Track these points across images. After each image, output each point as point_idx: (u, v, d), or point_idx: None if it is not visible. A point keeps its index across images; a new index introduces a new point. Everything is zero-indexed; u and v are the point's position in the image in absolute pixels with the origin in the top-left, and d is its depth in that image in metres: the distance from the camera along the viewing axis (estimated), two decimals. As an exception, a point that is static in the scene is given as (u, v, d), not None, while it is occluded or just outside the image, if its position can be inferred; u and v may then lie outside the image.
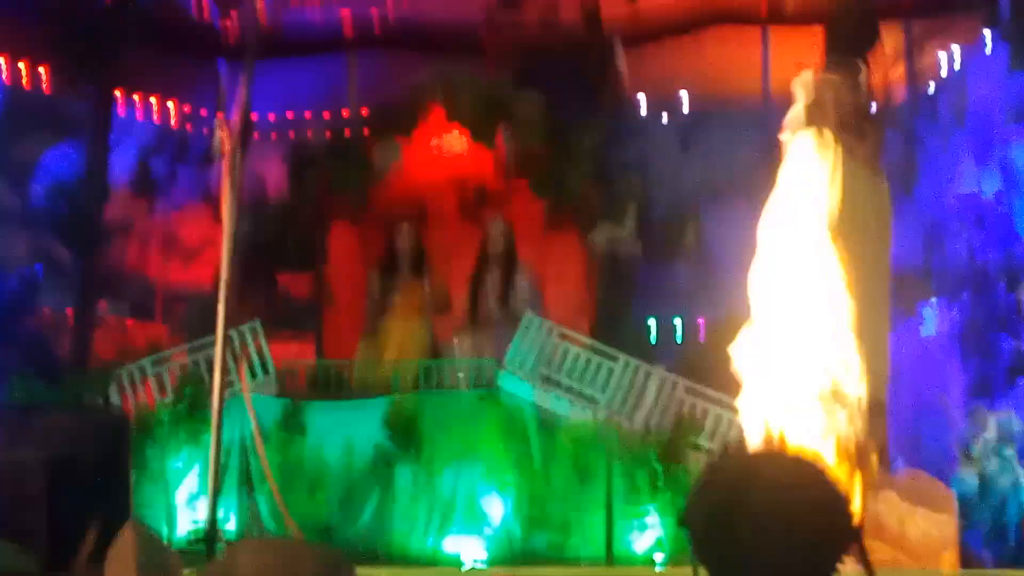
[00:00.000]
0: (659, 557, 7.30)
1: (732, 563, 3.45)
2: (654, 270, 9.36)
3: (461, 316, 8.97)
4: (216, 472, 4.63)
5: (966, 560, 6.91)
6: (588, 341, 8.13)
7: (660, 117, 10.72)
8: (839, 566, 3.69)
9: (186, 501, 7.87)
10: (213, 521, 4.68)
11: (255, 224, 9.49)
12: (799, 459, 3.98)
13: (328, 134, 9.82)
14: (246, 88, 4.90)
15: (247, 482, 7.93)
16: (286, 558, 3.97)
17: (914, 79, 9.46)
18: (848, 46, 8.82)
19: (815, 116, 4.72)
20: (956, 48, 9.61)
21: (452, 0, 11.46)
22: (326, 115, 11.53)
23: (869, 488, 4.51)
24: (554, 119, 9.46)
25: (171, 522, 7.77)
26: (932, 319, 8.46)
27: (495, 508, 7.64)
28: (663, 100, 11.01)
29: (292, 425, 7.98)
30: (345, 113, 11.55)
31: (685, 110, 10.63)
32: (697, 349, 8.19)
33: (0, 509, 4.49)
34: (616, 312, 9.27)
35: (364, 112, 10.62)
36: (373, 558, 7.31)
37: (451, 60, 10.52)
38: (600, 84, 10.80)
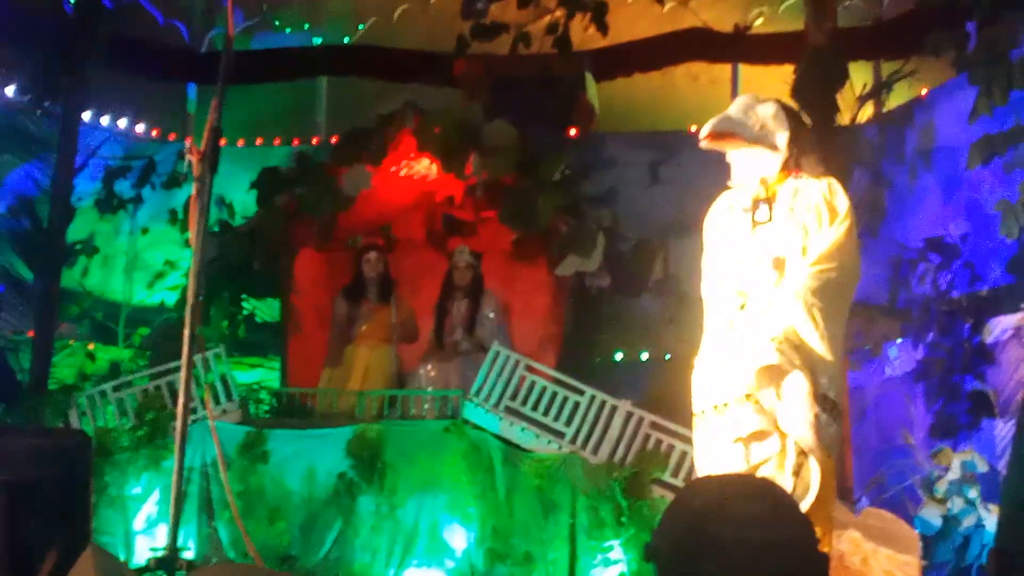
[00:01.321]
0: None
1: (700, 599, 3.40)
2: (622, 303, 9.35)
3: (427, 345, 8.90)
4: (178, 497, 4.56)
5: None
6: (554, 374, 8.09)
7: (630, 151, 10.78)
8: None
9: (144, 527, 7.75)
10: (173, 547, 4.60)
11: (221, 249, 9.45)
12: (768, 490, 3.90)
13: (297, 160, 9.75)
14: (217, 112, 4.85)
15: (207, 509, 7.81)
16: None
17: (881, 120, 9.54)
18: (817, 86, 8.86)
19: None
20: (924, 90, 9.73)
21: (425, 29, 11.53)
22: (295, 141, 11.53)
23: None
24: (524, 150, 9.44)
25: (129, 548, 7.65)
26: (897, 359, 8.51)
27: (458, 540, 7.57)
28: (633, 134, 11.08)
29: (254, 452, 7.88)
30: (314, 139, 11.55)
31: (655, 144, 10.68)
32: (663, 383, 8.15)
33: (-43, 532, 4.40)
34: (583, 345, 9.25)
35: (333, 139, 10.58)
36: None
37: (422, 88, 10.56)
38: (571, 117, 10.86)
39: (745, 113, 4.59)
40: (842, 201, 4.54)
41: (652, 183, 10.55)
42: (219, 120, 5.18)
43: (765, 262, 4.49)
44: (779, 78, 9.36)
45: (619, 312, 9.47)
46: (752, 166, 4.61)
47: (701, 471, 4.51)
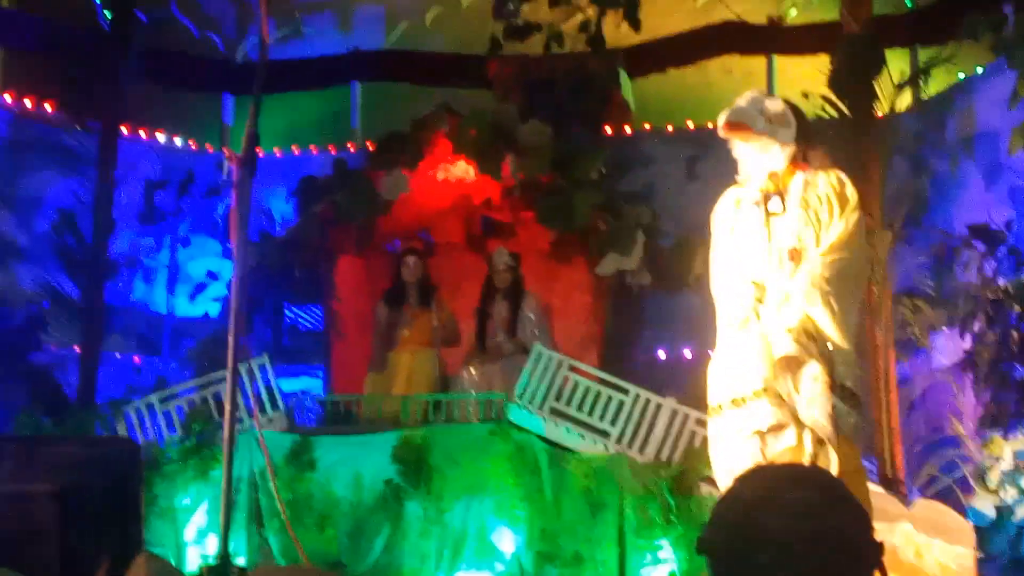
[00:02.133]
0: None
1: (753, 590, 3.37)
2: (663, 300, 9.31)
3: (469, 348, 8.90)
4: (227, 505, 4.58)
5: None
6: (598, 373, 8.06)
7: (666, 147, 10.75)
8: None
9: (195, 537, 7.79)
10: (225, 554, 4.62)
11: (262, 258, 9.51)
12: (819, 478, 3.87)
13: (335, 167, 9.79)
14: (253, 118, 4.88)
15: (256, 518, 7.84)
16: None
17: (920, 107, 9.44)
18: (853, 75, 8.79)
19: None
20: (962, 75, 9.62)
21: (457, 31, 11.54)
22: (332, 148, 11.57)
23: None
24: (560, 149, 9.43)
25: (180, 558, 7.70)
26: (944, 348, 8.42)
27: (506, 542, 7.55)
28: (669, 130, 11.05)
29: (301, 460, 7.90)
30: (351, 146, 11.59)
31: (691, 140, 10.64)
32: (707, 380, 8.09)
33: (11, 541, 4.43)
34: (625, 343, 9.23)
35: (370, 145, 10.61)
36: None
37: (456, 91, 10.57)
38: (606, 114, 10.83)
39: (756, 108, 4.66)
40: (851, 192, 4.63)
41: (689, 179, 10.51)
42: (256, 125, 5.19)
43: (780, 254, 4.55)
44: (815, 69, 9.30)
45: (660, 309, 9.44)
46: (760, 161, 4.67)
47: (717, 467, 4.57)
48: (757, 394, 4.46)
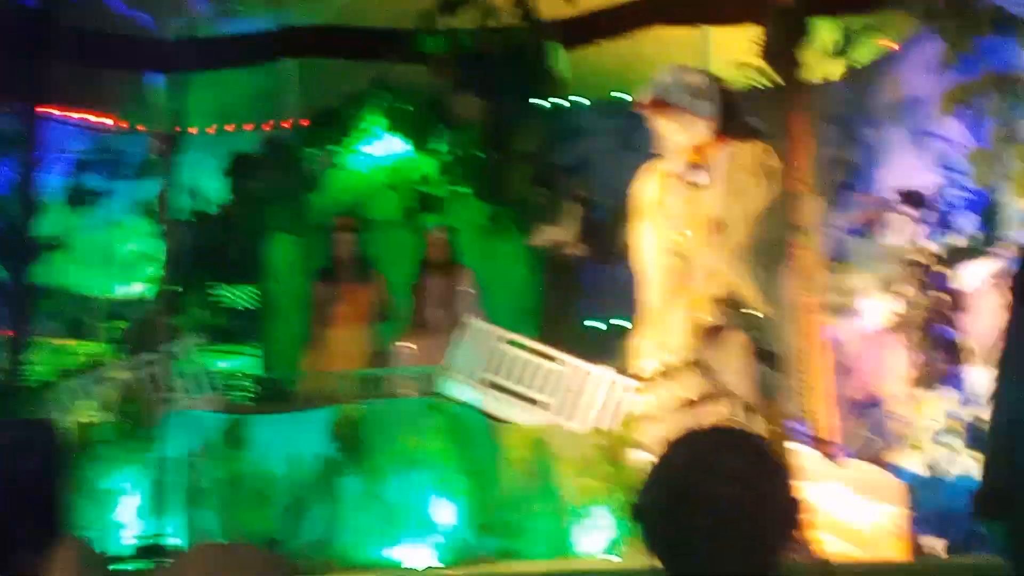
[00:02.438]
0: (613, 559, 7.25)
1: (684, 553, 3.39)
2: (598, 272, 9.33)
3: (406, 324, 8.86)
4: (157, 485, 4.56)
5: (918, 549, 6.93)
6: (534, 345, 8.07)
7: (601, 120, 10.74)
8: (791, 555, 3.66)
9: (128, 518, 7.71)
10: (157, 534, 4.59)
11: (195, 237, 9.41)
12: (749, 441, 3.90)
13: (267, 144, 9.68)
14: (179, 96, 4.82)
15: (192, 498, 7.77)
16: (236, 560, 3.90)
17: (850, 76, 9.51)
18: (784, 44, 8.82)
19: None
20: (890, 43, 9.71)
21: (391, 5, 11.43)
22: (266, 126, 11.45)
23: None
24: (495, 124, 9.40)
25: (115, 541, 7.61)
26: (874, 312, 8.51)
27: (445, 515, 7.54)
28: (604, 102, 11.03)
29: (236, 439, 7.83)
30: (285, 124, 11.46)
31: (626, 112, 10.62)
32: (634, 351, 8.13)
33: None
34: (561, 315, 9.24)
35: (304, 122, 10.50)
36: (324, 570, 7.21)
37: (391, 66, 10.48)
38: (541, 88, 10.80)
39: (677, 82, 4.69)
40: (774, 163, 4.74)
41: (625, 151, 10.49)
42: (182, 104, 5.13)
43: (704, 225, 4.57)
44: (748, 39, 9.32)
45: (597, 281, 9.45)
46: (682, 134, 4.70)
47: (649, 437, 4.62)
48: (684, 364, 4.51)
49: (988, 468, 3.95)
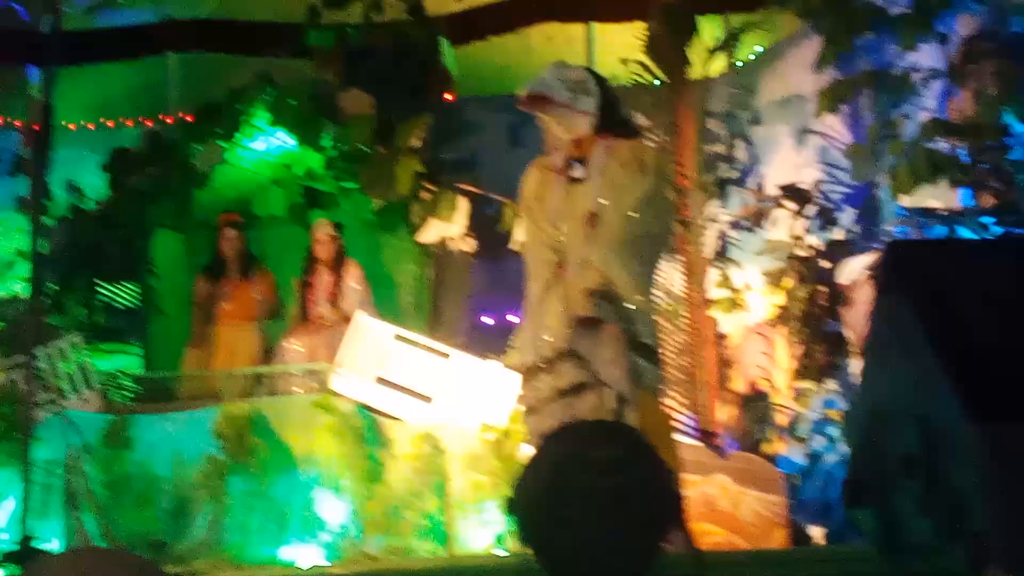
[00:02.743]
0: (500, 553, 7.27)
1: (559, 545, 3.42)
2: (488, 266, 9.34)
3: (292, 320, 8.77)
4: (26, 488, 4.43)
5: (797, 538, 7.08)
6: (423, 340, 8.05)
7: (489, 115, 10.75)
8: (666, 545, 3.70)
9: (5, 524, 7.49)
10: (25, 539, 4.46)
11: (73, 234, 9.18)
12: (623, 433, 3.96)
13: (149, 139, 9.49)
14: (47, 89, 4.70)
15: (72, 501, 7.58)
16: (105, 565, 3.79)
17: (732, 72, 9.66)
18: (668, 41, 8.92)
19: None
20: (772, 40, 9.88)
21: (274, 0, 11.28)
22: (147, 121, 11.23)
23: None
24: (381, 119, 9.34)
25: (-11, 547, 7.38)
26: (757, 306, 8.66)
27: (332, 514, 7.48)
28: (492, 98, 11.04)
29: (118, 440, 7.68)
30: (166, 118, 11.26)
31: (514, 107, 10.64)
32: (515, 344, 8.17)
33: None
34: (451, 310, 9.23)
35: (186, 117, 10.32)
36: (211, 570, 7.11)
37: (275, 60, 10.34)
38: (427, 83, 10.75)
39: (557, 78, 4.78)
40: (650, 158, 4.82)
41: (513, 146, 10.54)
42: (50, 96, 5.02)
43: (579, 219, 4.67)
44: (633, 36, 9.40)
45: (485, 275, 9.46)
46: (562, 129, 4.79)
47: (529, 430, 4.70)
48: (560, 356, 4.59)
49: (853, 458, 4.06)
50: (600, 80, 4.86)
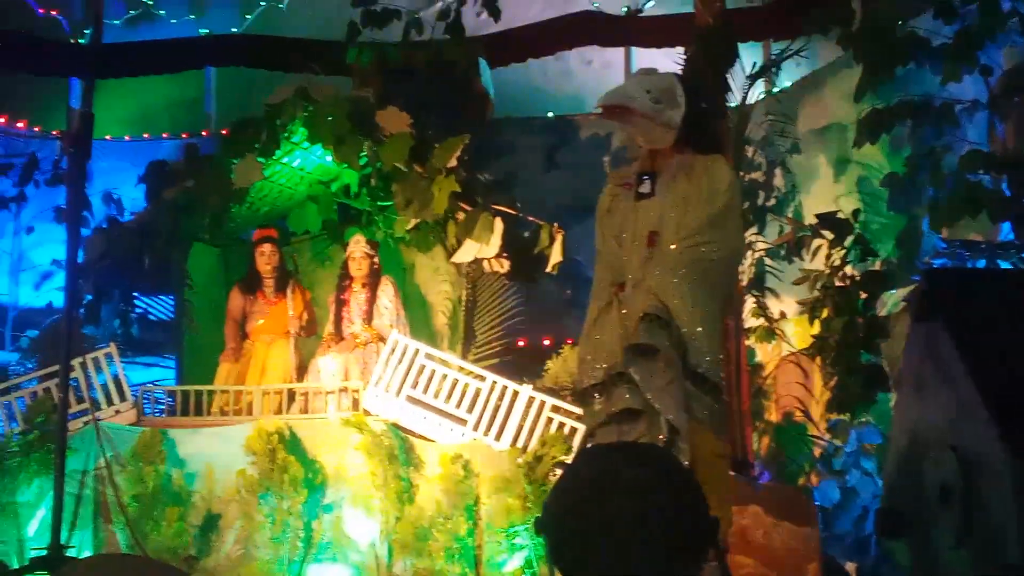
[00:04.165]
0: (528, 577, 7.23)
1: (583, 566, 3.35)
2: (522, 289, 9.32)
3: (326, 338, 8.77)
4: (60, 496, 4.43)
5: (829, 571, 7.00)
6: (456, 361, 8.04)
7: (526, 136, 10.77)
8: (700, 572, 3.64)
9: (37, 532, 7.52)
10: (56, 546, 4.46)
11: (110, 245, 9.22)
12: (655, 455, 3.88)
13: (187, 153, 9.53)
14: (86, 103, 4.72)
15: (103, 512, 7.62)
16: (129, 572, 3.79)
17: (772, 99, 9.63)
18: (707, 67, 8.89)
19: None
20: (813, 68, 9.85)
21: (315, 16, 11.36)
22: (184, 135, 11.30)
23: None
24: (419, 137, 9.33)
25: (21, 554, 7.42)
26: (792, 335, 8.61)
27: (362, 533, 7.47)
28: (529, 119, 11.07)
29: (150, 453, 7.69)
30: (204, 132, 11.34)
31: (551, 129, 10.69)
32: (565, 368, 8.16)
33: None
34: (484, 332, 9.20)
35: (224, 132, 10.36)
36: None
37: (313, 77, 10.38)
38: (466, 103, 10.78)
39: (640, 87, 4.53)
40: (723, 177, 4.50)
41: (549, 168, 10.55)
42: (89, 105, 5.04)
43: (642, 237, 4.47)
44: (672, 60, 9.38)
45: (520, 298, 9.43)
46: (646, 140, 4.60)
47: (575, 452, 4.59)
48: (613, 380, 4.43)
49: (888, 487, 3.99)
50: (691, 89, 4.57)
